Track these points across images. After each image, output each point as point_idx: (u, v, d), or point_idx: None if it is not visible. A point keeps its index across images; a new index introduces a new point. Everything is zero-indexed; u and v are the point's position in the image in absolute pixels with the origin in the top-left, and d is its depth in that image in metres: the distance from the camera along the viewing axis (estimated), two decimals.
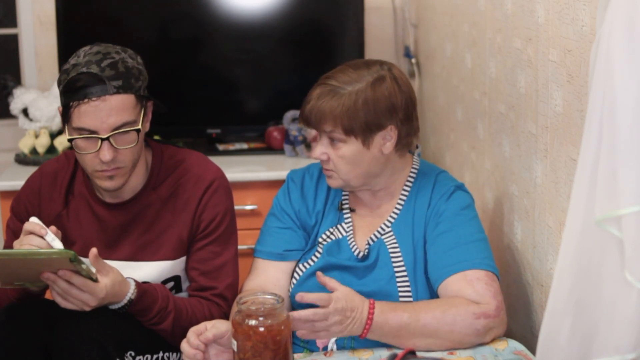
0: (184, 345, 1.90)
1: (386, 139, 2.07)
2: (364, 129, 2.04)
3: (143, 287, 2.07)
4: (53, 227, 2.00)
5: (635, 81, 1.33)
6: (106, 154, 2.02)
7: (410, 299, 2.07)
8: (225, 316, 2.16)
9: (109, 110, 2.01)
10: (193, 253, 2.20)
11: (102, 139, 2.02)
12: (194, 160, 2.24)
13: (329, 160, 2.09)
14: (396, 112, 2.06)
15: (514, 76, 2.31)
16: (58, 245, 1.97)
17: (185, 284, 2.24)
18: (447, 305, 1.98)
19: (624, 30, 1.34)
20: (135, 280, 2.07)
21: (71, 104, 2.02)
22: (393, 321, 1.95)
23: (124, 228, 2.18)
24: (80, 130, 2.03)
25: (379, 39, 3.87)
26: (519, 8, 2.25)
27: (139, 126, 2.06)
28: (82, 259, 1.96)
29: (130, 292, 2.04)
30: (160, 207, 2.19)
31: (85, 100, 2.00)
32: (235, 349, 1.80)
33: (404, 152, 2.14)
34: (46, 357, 2.02)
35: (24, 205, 2.21)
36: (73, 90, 2.01)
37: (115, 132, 2.02)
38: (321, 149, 2.09)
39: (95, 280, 1.96)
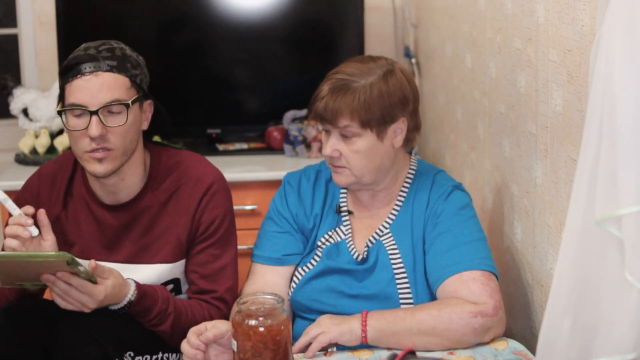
0: (184, 345, 1.90)
1: (397, 132, 2.08)
2: (379, 121, 2.03)
3: (143, 289, 2.07)
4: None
5: (635, 81, 1.33)
6: (94, 129, 2.02)
7: (411, 301, 2.07)
8: (225, 319, 2.16)
9: (100, 86, 2.03)
10: (192, 256, 2.19)
11: (92, 113, 2.02)
12: (193, 162, 2.23)
13: (340, 157, 2.07)
14: (408, 103, 2.08)
15: (514, 76, 2.31)
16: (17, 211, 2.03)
17: (184, 287, 2.24)
18: (443, 304, 1.99)
19: (624, 30, 1.34)
20: (136, 282, 2.07)
21: (66, 83, 2.05)
22: (389, 315, 1.97)
23: (122, 230, 2.18)
24: (71, 106, 2.05)
25: (379, 39, 3.87)
26: (519, 8, 2.25)
27: (129, 102, 2.06)
28: (80, 260, 1.96)
29: (130, 293, 2.04)
30: (159, 210, 2.18)
31: (79, 75, 2.03)
32: (235, 349, 1.80)
33: (407, 148, 2.15)
34: (46, 357, 2.02)
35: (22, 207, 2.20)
36: (68, 70, 2.05)
37: (105, 106, 2.03)
38: (332, 146, 2.07)
39: (95, 282, 1.96)
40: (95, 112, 2.02)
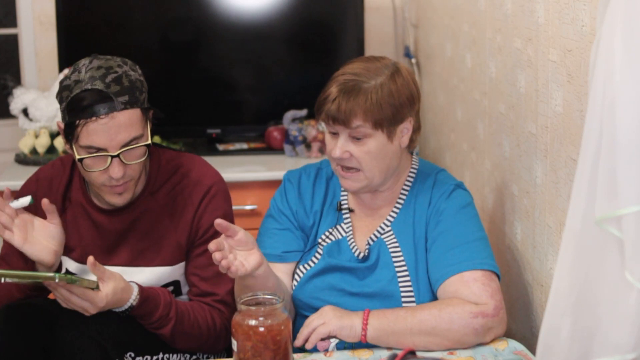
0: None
1: (404, 132, 2.08)
2: (390, 121, 2.04)
3: (146, 294, 2.06)
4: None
5: (635, 81, 1.33)
6: (117, 170, 2.00)
7: (413, 299, 2.07)
8: (227, 322, 2.15)
9: (118, 128, 1.98)
10: (192, 259, 2.19)
11: (112, 157, 1.99)
12: (192, 165, 2.22)
13: (351, 158, 2.06)
14: (415, 102, 2.09)
15: (514, 76, 2.31)
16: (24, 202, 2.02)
17: (185, 288, 2.23)
18: (444, 304, 1.99)
19: (624, 30, 1.34)
20: (139, 286, 2.06)
21: (77, 122, 1.98)
22: (390, 314, 1.98)
23: (122, 234, 2.17)
24: (88, 148, 1.99)
25: (379, 39, 3.87)
26: (519, 8, 2.25)
27: (148, 140, 2.04)
28: (80, 265, 1.96)
29: (132, 298, 2.03)
30: (158, 213, 2.17)
31: (93, 118, 1.96)
32: (235, 349, 1.80)
33: (410, 148, 2.16)
34: (46, 357, 2.02)
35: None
36: (79, 109, 1.97)
37: (124, 149, 2.00)
38: (342, 147, 2.05)
39: (96, 288, 1.95)
40: (117, 156, 2.00)
